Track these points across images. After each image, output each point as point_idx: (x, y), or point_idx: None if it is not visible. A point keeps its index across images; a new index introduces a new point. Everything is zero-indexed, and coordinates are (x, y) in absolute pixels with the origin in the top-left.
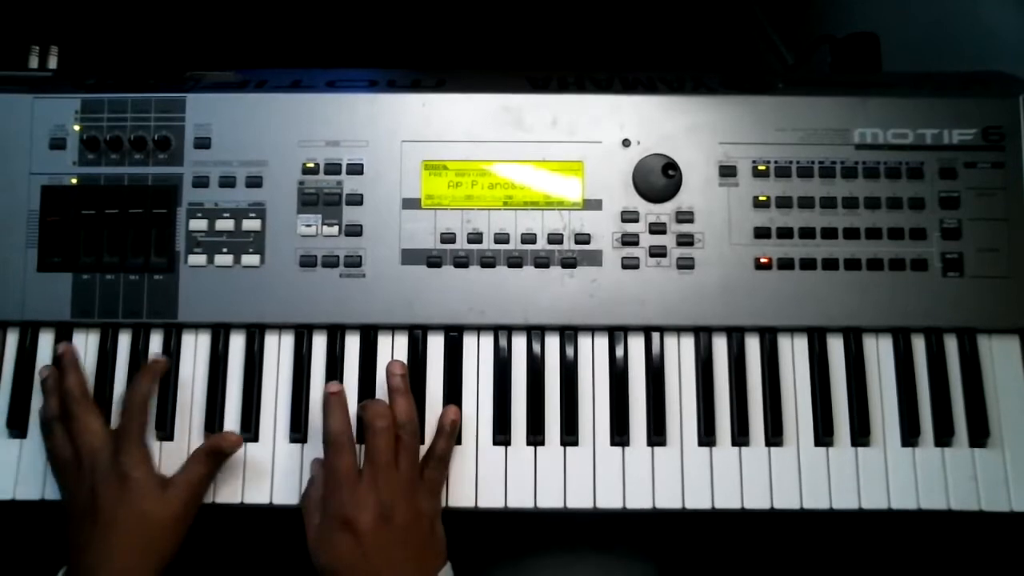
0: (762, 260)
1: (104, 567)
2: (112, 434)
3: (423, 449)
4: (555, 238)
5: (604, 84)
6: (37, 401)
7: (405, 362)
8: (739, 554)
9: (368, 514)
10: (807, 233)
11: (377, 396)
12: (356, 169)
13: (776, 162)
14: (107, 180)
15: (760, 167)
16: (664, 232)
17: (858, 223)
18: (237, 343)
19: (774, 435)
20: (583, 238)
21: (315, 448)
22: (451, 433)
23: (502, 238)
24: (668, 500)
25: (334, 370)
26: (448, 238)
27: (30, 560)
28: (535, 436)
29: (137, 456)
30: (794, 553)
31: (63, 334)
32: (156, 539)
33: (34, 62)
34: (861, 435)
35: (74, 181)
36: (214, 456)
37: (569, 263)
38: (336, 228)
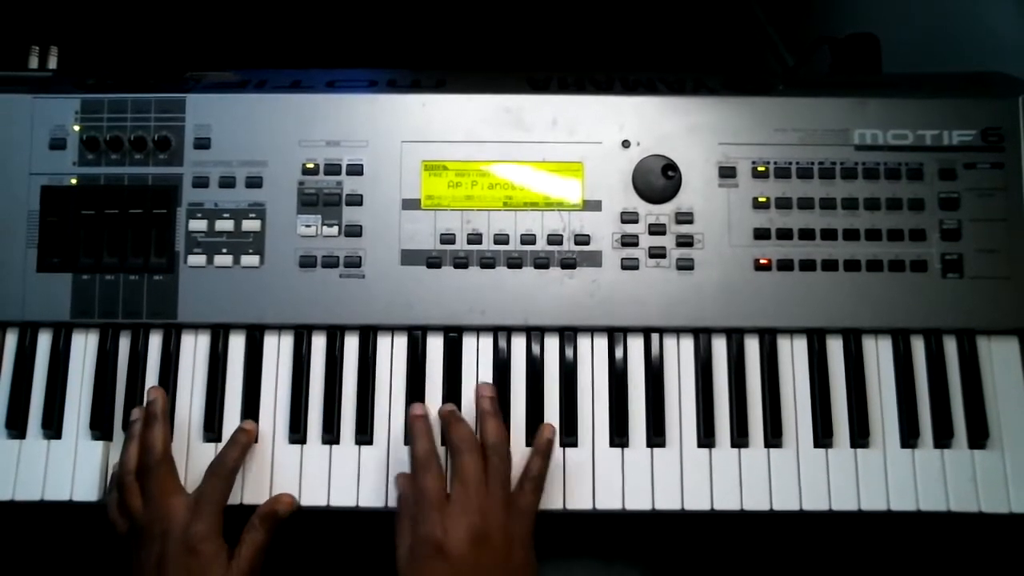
0: (762, 261)
1: None
2: (190, 499)
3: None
4: (555, 239)
5: (604, 85)
6: (37, 400)
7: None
8: (724, 558)
9: (461, 538)
10: (806, 234)
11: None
12: (356, 169)
13: (776, 163)
14: (107, 180)
15: (760, 168)
16: (664, 233)
17: (858, 224)
18: (237, 343)
19: (773, 436)
20: (583, 239)
21: (315, 449)
22: (547, 452)
23: (502, 239)
24: (667, 501)
25: (333, 371)
26: (448, 239)
27: (31, 560)
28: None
29: (211, 527)
30: (780, 558)
31: (62, 334)
32: None
33: (34, 62)
34: (860, 436)
35: (74, 181)
36: (269, 521)
37: (569, 264)
38: (336, 228)
